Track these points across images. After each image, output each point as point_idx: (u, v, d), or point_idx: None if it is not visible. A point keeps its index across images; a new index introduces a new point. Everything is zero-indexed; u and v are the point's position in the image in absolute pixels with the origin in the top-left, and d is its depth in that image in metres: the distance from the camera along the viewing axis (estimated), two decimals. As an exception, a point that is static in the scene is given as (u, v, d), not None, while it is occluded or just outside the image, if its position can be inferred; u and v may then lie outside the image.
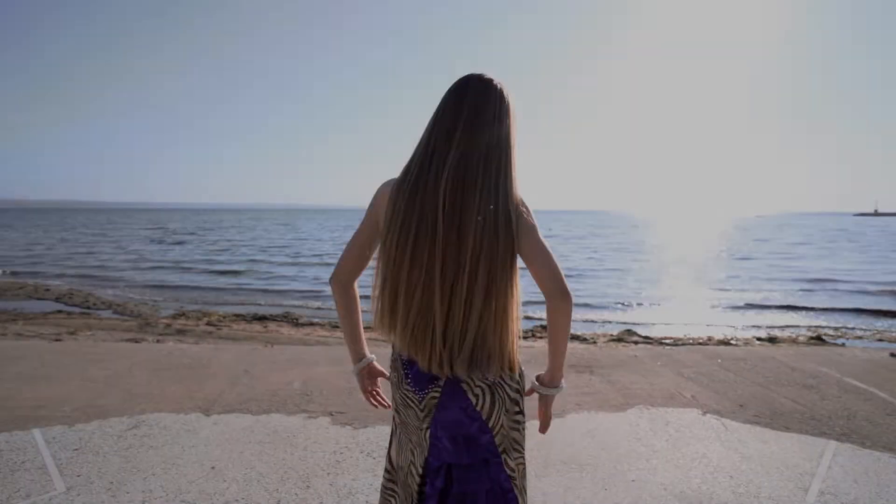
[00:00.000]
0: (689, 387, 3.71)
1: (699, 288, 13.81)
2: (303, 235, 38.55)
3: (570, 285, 1.09)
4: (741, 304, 11.58)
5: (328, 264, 18.89)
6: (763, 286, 13.98)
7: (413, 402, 1.17)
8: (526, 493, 1.25)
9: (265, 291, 13.79)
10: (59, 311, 10.90)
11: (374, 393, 1.36)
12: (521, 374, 1.22)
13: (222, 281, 15.46)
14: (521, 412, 1.23)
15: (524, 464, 1.24)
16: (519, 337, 1.15)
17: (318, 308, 11.51)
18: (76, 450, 2.61)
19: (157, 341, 6.07)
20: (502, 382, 1.16)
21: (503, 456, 1.19)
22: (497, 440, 1.18)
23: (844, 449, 2.73)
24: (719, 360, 4.39)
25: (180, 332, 8.30)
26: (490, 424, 1.16)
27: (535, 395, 1.26)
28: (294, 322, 9.75)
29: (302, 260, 20.90)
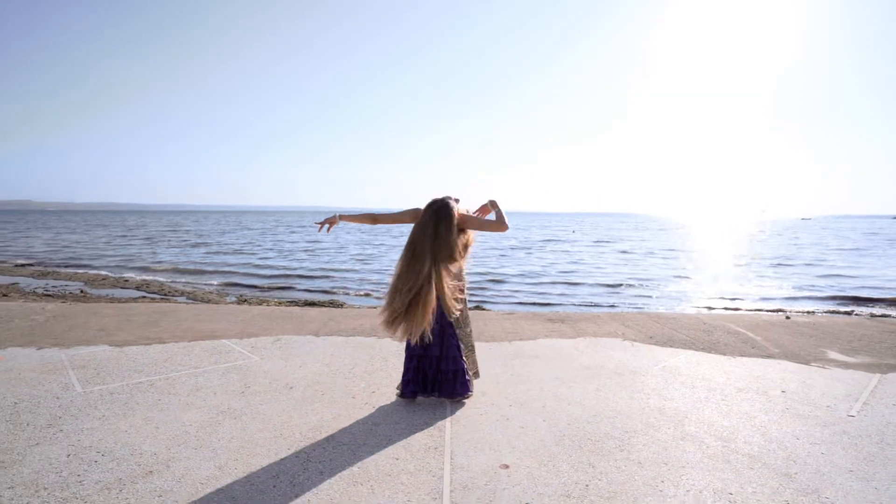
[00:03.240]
0: (624, 330, 5.59)
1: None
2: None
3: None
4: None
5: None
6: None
7: None
8: (466, 339, 3.25)
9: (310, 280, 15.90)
10: (144, 297, 13.17)
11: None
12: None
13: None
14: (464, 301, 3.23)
15: (466, 330, 3.25)
16: None
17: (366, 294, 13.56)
18: (252, 347, 4.66)
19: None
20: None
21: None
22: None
23: (696, 354, 4.60)
24: (655, 318, 6.25)
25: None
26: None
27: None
28: (339, 307, 11.83)
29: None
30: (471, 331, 3.42)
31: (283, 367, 4.07)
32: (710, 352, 4.67)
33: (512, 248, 29.65)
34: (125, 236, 39.32)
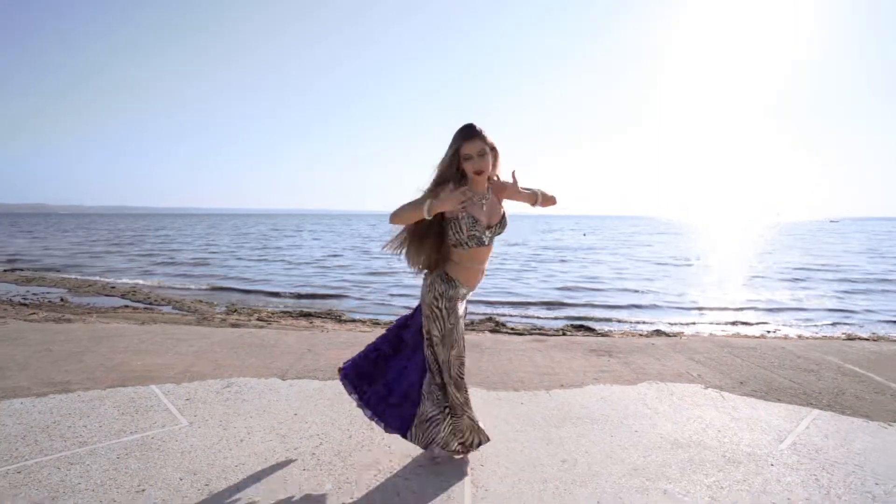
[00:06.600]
0: (697, 368, 4.16)
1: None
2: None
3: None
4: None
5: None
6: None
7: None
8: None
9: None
10: (126, 307, 11.92)
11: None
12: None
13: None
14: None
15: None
16: None
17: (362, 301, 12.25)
18: (187, 400, 3.30)
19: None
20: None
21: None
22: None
23: (825, 415, 3.16)
24: (729, 349, 4.80)
25: (234, 326, 9.11)
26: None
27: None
28: (338, 319, 10.47)
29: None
30: (459, 359, 2.31)
31: (216, 441, 2.70)
32: (843, 412, 3.22)
33: (521, 255, 28.00)
34: (118, 240, 38.48)
